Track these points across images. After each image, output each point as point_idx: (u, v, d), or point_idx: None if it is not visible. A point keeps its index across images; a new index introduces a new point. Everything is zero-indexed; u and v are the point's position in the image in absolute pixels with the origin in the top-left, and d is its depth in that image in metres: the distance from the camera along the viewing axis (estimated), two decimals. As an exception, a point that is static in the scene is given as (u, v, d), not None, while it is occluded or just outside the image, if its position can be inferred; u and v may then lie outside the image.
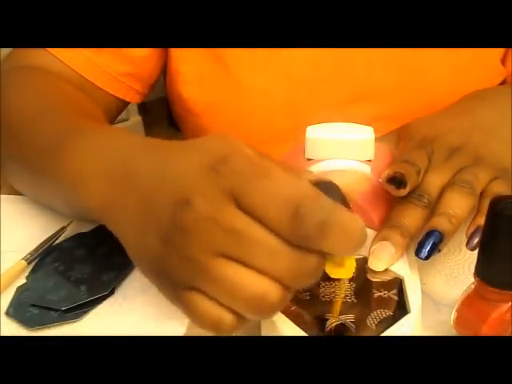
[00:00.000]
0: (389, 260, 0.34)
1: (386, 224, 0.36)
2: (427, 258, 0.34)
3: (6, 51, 0.53)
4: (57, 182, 0.38)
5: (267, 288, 0.25)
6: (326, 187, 0.26)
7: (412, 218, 0.35)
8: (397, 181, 0.35)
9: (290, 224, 0.24)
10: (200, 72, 0.54)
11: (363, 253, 0.35)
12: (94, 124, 0.42)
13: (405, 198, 0.36)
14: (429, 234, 0.34)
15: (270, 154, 0.29)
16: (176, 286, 0.27)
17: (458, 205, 0.35)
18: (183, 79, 0.55)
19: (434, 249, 0.34)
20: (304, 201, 0.24)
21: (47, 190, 0.42)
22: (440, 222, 0.35)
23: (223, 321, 0.26)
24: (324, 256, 0.26)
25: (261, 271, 0.25)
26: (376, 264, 0.34)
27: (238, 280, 0.25)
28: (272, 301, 0.25)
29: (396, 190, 0.35)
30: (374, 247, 0.35)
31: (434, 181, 0.37)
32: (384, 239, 0.35)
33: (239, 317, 0.26)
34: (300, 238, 0.25)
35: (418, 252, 0.34)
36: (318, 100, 0.53)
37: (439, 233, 0.34)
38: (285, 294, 0.26)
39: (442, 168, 0.38)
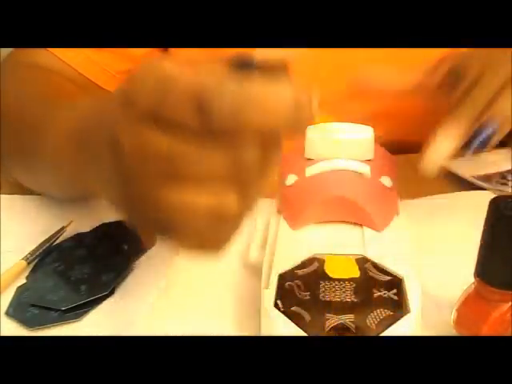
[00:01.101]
0: (446, 151, 0.36)
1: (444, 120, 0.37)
2: (479, 148, 0.36)
3: (6, 51, 0.53)
4: (43, 161, 0.39)
5: (219, 198, 0.24)
6: (242, 62, 0.24)
7: (465, 115, 0.37)
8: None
9: (200, 121, 0.22)
10: None
11: (362, 252, 0.35)
12: (75, 99, 0.42)
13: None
14: (483, 127, 0.36)
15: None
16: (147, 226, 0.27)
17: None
18: None
19: (486, 142, 0.36)
20: (205, 91, 0.22)
21: (39, 174, 0.43)
22: (495, 118, 0.36)
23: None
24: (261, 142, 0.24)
25: (205, 183, 0.24)
26: (433, 157, 0.36)
27: (189, 201, 0.24)
28: (230, 208, 0.24)
29: None
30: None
31: (488, 86, 0.38)
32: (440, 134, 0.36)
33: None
34: (217, 131, 0.23)
35: (469, 144, 0.36)
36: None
37: (492, 127, 0.36)
38: (239, 199, 0.24)
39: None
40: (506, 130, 0.37)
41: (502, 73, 0.39)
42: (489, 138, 0.36)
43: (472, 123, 0.37)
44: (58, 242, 0.43)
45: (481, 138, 0.36)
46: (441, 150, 0.36)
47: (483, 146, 0.36)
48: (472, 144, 0.36)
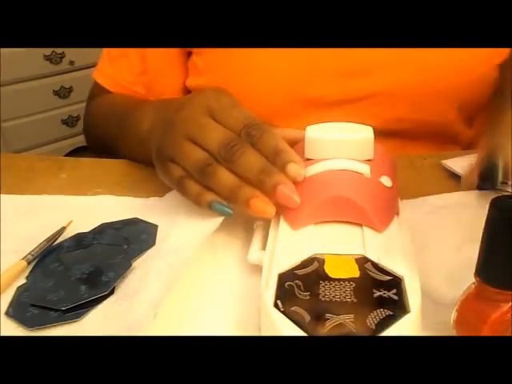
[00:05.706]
0: None
1: None
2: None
3: (5, 51, 0.53)
4: (129, 134, 0.55)
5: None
6: None
7: None
8: None
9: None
10: (208, 60, 0.60)
11: (362, 252, 0.35)
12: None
13: None
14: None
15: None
16: (163, 159, 0.43)
17: None
18: (195, 70, 0.61)
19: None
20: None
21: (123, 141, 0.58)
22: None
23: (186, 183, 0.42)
24: None
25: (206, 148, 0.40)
26: None
27: (190, 152, 0.41)
28: None
29: None
30: None
31: None
32: None
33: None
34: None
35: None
36: (316, 74, 0.57)
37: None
38: None
39: None
40: None
41: None
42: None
43: None
44: (58, 241, 0.43)
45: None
46: None
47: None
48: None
